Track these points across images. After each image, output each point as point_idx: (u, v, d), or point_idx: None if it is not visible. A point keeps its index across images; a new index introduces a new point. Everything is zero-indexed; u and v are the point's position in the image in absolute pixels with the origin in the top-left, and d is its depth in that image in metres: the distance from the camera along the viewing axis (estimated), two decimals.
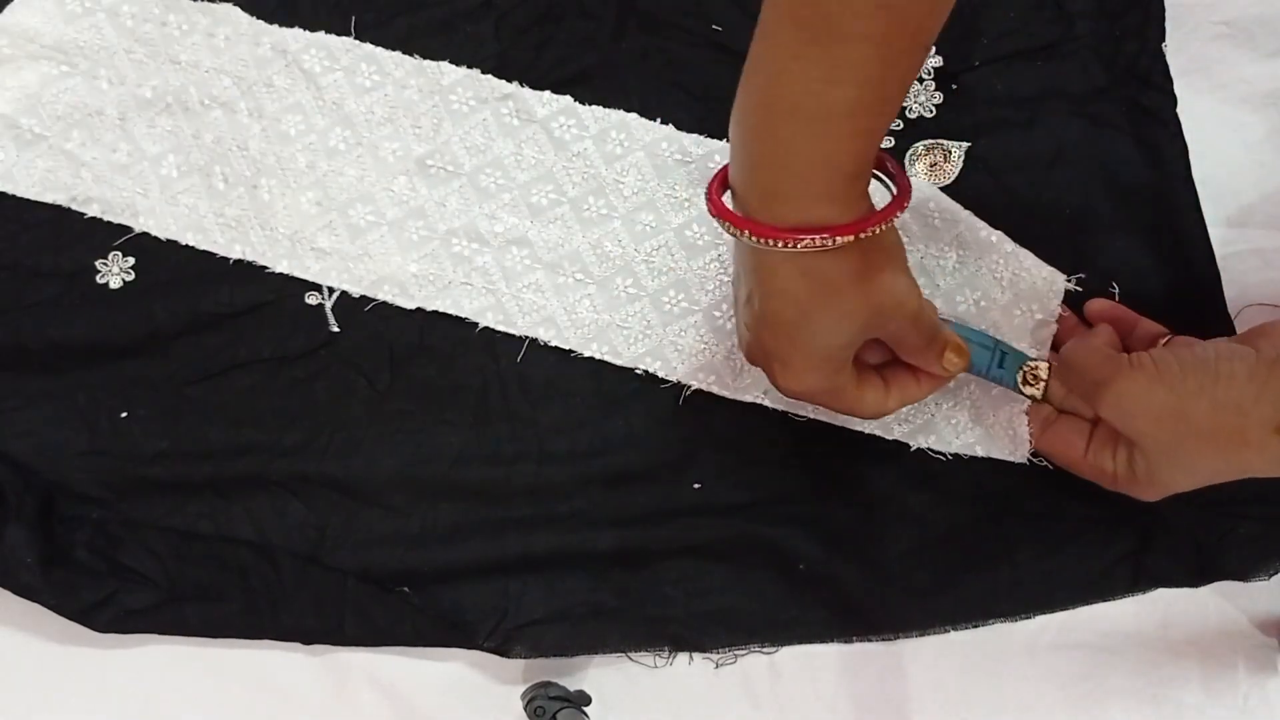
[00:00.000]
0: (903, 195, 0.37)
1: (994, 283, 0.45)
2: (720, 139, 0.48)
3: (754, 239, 0.35)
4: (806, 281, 0.35)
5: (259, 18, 0.51)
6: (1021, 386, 0.42)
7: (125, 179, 0.49)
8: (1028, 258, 0.45)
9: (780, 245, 0.34)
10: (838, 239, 0.34)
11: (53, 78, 0.51)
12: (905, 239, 0.40)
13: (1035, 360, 0.42)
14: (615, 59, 0.50)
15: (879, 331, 0.38)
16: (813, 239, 0.34)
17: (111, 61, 0.51)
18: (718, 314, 0.46)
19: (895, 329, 0.38)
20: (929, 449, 0.44)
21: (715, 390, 0.46)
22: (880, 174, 0.38)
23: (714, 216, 0.36)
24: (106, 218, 0.49)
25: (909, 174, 0.47)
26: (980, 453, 0.44)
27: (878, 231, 0.35)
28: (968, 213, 0.45)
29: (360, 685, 0.46)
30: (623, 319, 0.47)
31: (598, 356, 0.46)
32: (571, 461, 0.46)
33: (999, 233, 0.45)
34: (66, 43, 0.51)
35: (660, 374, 0.46)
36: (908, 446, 0.45)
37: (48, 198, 0.50)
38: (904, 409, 0.43)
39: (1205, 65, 0.49)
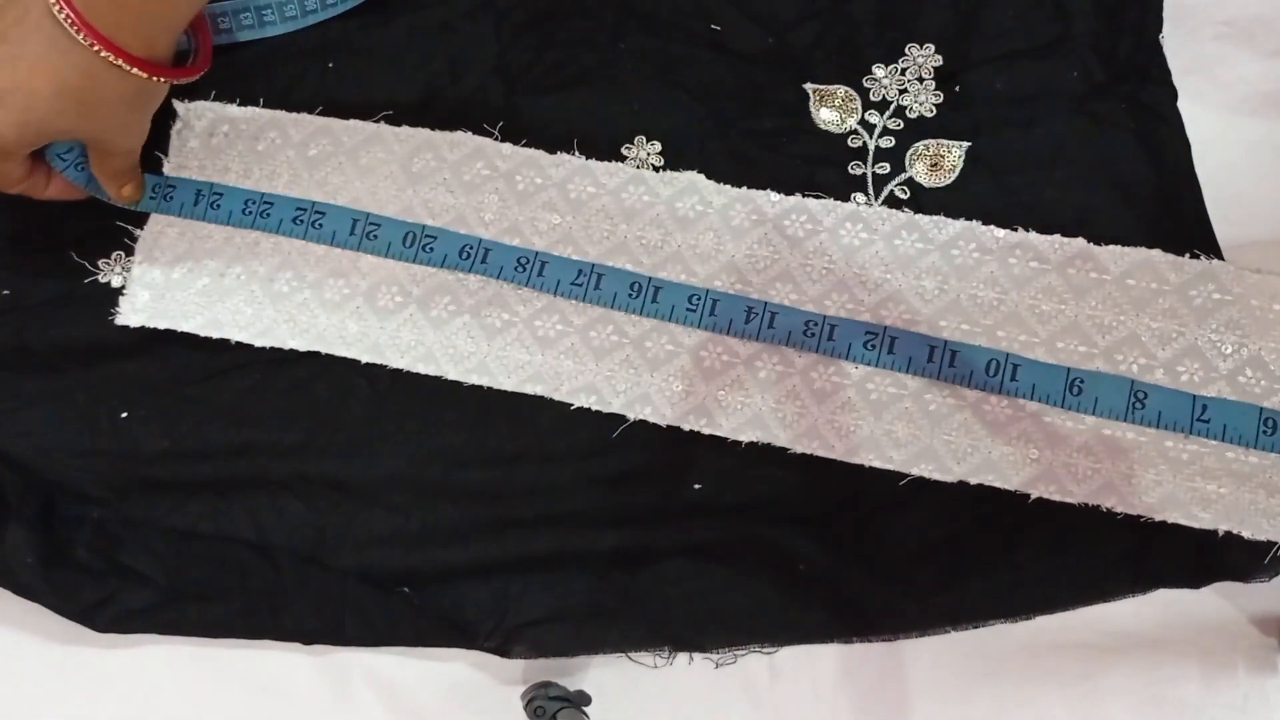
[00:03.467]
0: (201, 65, 0.45)
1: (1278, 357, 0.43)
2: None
3: (66, 19, 0.39)
4: (78, 75, 0.40)
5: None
6: None
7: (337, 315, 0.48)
8: None
9: (85, 40, 0.39)
10: (132, 68, 0.40)
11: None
12: (1176, 325, 0.43)
13: None
14: (615, 59, 0.50)
15: (94, 143, 0.44)
16: (114, 56, 0.40)
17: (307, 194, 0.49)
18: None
19: (111, 155, 0.45)
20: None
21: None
22: (191, 37, 0.46)
23: None
24: (326, 350, 0.47)
25: (909, 173, 0.47)
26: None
27: (163, 81, 0.43)
28: (1241, 289, 0.44)
29: (360, 685, 0.46)
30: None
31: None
32: (572, 461, 0.46)
33: (1275, 308, 0.43)
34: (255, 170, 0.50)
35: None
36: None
37: (290, 344, 0.47)
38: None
39: (1205, 65, 0.49)
